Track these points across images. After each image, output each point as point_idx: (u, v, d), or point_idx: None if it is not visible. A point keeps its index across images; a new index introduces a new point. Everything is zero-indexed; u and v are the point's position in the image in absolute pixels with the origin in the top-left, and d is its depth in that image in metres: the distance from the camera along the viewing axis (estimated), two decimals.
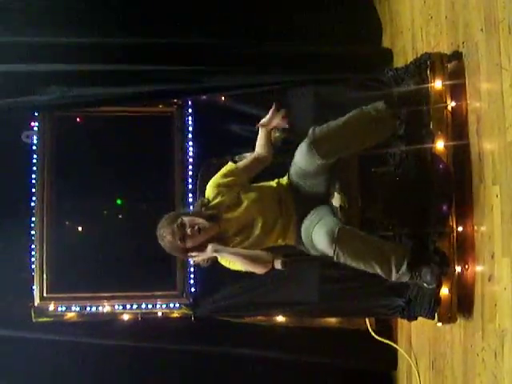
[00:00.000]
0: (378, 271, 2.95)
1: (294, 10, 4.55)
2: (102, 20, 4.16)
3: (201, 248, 3.00)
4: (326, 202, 3.08)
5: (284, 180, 3.19)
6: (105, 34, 4.06)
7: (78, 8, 4.17)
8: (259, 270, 3.03)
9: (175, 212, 3.14)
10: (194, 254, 3.02)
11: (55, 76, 3.82)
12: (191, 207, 3.65)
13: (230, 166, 3.17)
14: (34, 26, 4.03)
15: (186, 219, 2.95)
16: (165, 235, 2.96)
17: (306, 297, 3.70)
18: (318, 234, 2.92)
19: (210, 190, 3.14)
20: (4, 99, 3.76)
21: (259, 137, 3.18)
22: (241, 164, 3.17)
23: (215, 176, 3.16)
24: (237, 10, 4.48)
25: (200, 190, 3.39)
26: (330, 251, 2.87)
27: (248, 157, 3.21)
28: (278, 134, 2.98)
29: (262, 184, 3.23)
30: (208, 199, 3.11)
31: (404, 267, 2.93)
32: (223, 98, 3.89)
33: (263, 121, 3.13)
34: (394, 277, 2.96)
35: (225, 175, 3.14)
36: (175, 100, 3.99)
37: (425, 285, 3.00)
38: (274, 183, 3.20)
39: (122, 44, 4.05)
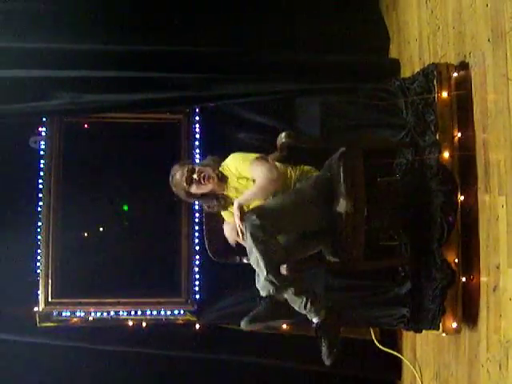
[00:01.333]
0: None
1: (303, 19, 4.56)
2: (112, 27, 4.17)
3: (202, 197, 3.23)
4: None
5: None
6: (114, 41, 4.07)
7: (88, 15, 4.19)
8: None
9: (189, 160, 3.34)
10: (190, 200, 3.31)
11: (63, 82, 3.83)
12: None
13: (259, 157, 3.16)
14: (44, 32, 4.04)
15: (196, 166, 3.20)
16: (174, 175, 3.20)
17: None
18: None
19: (230, 164, 3.23)
20: (12, 104, 3.78)
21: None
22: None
23: (241, 154, 3.24)
24: (246, 18, 4.49)
25: None
26: None
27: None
28: (284, 140, 2.97)
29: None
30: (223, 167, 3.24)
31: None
32: (230, 105, 3.90)
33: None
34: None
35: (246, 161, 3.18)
36: (183, 107, 4.00)
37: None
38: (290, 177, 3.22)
39: (130, 51, 4.06)
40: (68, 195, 3.96)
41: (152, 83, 3.92)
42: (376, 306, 3.54)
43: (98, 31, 4.13)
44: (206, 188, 3.18)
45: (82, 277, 3.94)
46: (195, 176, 3.14)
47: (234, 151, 3.45)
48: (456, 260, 3.14)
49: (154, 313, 3.90)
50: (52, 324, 3.92)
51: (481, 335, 2.94)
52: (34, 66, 3.89)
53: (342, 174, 3.02)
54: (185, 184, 3.15)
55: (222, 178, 3.21)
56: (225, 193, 3.24)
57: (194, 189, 3.17)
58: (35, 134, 4.04)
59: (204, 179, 3.15)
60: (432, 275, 3.18)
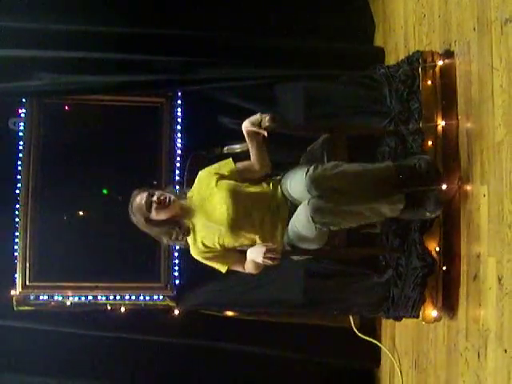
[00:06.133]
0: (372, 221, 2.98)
1: (287, 5, 4.53)
2: (94, 8, 4.12)
3: (162, 225, 2.98)
4: None
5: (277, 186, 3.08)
6: (96, 22, 4.02)
7: None
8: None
9: (150, 188, 3.05)
10: (152, 231, 3.01)
11: (44, 62, 3.78)
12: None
13: (228, 161, 3.12)
14: (24, 12, 4.00)
15: (156, 191, 2.96)
16: (134, 200, 2.97)
17: (290, 294, 3.69)
18: (297, 221, 2.88)
19: (198, 177, 3.12)
20: None
21: (250, 149, 3.08)
22: (239, 164, 3.11)
23: (211, 166, 3.12)
24: (228, 3, 4.46)
25: (187, 182, 3.36)
26: (313, 225, 2.79)
27: (247, 161, 3.12)
28: (267, 124, 2.94)
29: (254, 187, 3.09)
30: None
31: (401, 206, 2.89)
32: (213, 90, 3.86)
33: (246, 125, 3.00)
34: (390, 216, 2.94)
35: (219, 168, 3.10)
36: (165, 91, 3.96)
37: (428, 214, 2.92)
38: (268, 187, 3.08)
39: (113, 33, 4.01)
40: (47, 178, 3.90)
41: (134, 65, 3.89)
42: (356, 294, 3.54)
43: (80, 12, 4.08)
44: (167, 212, 2.94)
45: (61, 260, 3.89)
46: (154, 198, 2.90)
47: (215, 135, 3.43)
48: (437, 248, 3.15)
49: (133, 297, 3.87)
50: (29, 308, 3.87)
51: (460, 324, 2.95)
52: (13, 46, 3.83)
53: (325, 160, 3.01)
54: (144, 209, 2.90)
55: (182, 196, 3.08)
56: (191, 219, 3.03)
57: (154, 214, 2.92)
58: (14, 115, 3.97)
59: (165, 202, 2.91)
60: (413, 264, 3.19)
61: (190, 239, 3.05)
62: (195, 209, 3.03)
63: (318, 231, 2.82)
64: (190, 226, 3.03)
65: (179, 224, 3.02)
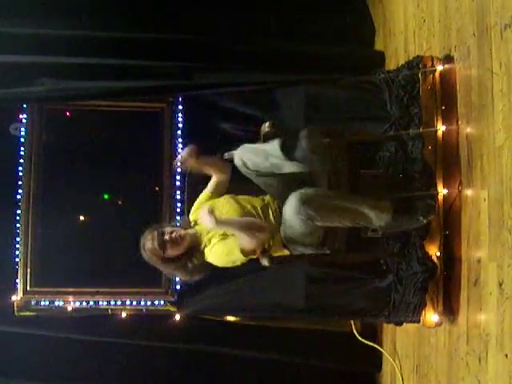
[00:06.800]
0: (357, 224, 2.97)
1: (287, 9, 4.54)
2: (94, 13, 4.13)
3: (179, 259, 2.98)
4: None
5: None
6: (96, 28, 4.03)
7: (72, 0, 4.14)
8: (256, 238, 2.86)
9: (157, 224, 3.11)
10: (169, 268, 3.03)
11: (45, 68, 3.79)
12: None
13: (203, 194, 3.18)
14: (25, 18, 4.00)
15: (166, 228, 2.99)
16: (145, 243, 2.97)
17: (291, 299, 3.69)
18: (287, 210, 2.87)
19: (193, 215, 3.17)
20: None
21: (211, 172, 3.16)
22: (208, 189, 3.18)
23: (193, 206, 3.19)
24: (229, 8, 4.46)
25: (188, 187, 3.37)
26: (299, 216, 2.79)
27: (210, 183, 3.19)
28: (267, 130, 2.94)
29: (247, 198, 3.12)
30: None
31: (388, 216, 2.94)
32: (213, 95, 3.87)
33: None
34: (377, 224, 2.97)
35: (201, 203, 3.16)
36: (166, 96, 3.97)
37: (421, 219, 2.97)
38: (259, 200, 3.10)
39: (113, 38, 4.02)
40: (48, 183, 3.92)
41: (135, 71, 3.90)
42: (357, 299, 3.54)
43: (82, 17, 4.09)
44: (181, 248, 2.95)
45: (62, 266, 3.90)
46: (167, 237, 2.92)
47: (215, 140, 3.42)
48: (437, 253, 3.14)
49: (134, 303, 3.87)
50: (30, 313, 3.88)
51: (461, 328, 2.95)
52: (15, 52, 3.84)
53: None
54: (159, 249, 2.92)
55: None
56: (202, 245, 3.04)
57: (169, 252, 2.94)
58: (16, 120, 3.98)
59: (177, 239, 2.93)
60: (413, 268, 3.19)
61: (208, 254, 3.02)
62: (204, 232, 3.04)
63: (305, 225, 2.82)
64: (204, 245, 3.03)
65: (194, 253, 3.01)
